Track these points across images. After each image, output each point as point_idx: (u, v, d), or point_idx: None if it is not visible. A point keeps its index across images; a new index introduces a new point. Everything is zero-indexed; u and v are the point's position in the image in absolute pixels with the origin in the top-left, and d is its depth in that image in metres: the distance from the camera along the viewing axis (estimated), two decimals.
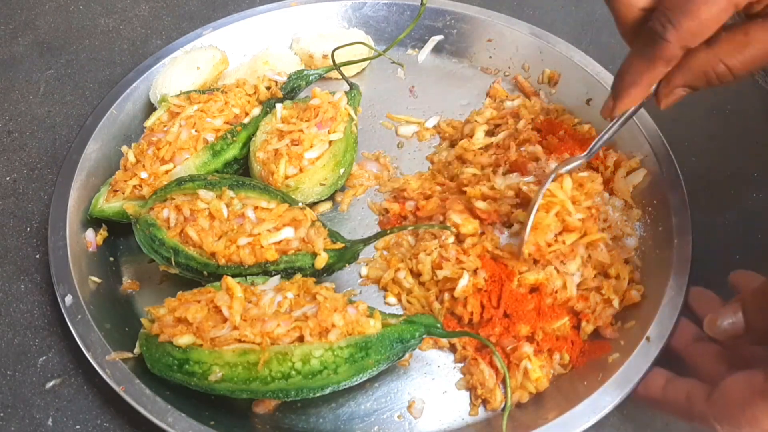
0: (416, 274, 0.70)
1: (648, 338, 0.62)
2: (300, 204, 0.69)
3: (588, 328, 0.66)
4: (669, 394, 0.57)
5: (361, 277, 0.73)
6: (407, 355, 0.65)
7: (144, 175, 0.72)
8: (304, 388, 0.58)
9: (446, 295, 0.67)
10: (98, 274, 0.70)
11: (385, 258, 0.73)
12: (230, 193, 0.67)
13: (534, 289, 0.66)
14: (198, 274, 0.66)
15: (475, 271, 0.67)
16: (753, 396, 0.49)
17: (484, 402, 0.64)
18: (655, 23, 0.53)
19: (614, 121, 0.65)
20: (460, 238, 0.69)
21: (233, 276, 0.62)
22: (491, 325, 0.65)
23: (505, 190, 0.70)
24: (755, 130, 0.85)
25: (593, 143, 0.68)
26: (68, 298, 0.65)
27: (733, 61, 0.54)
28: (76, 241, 0.71)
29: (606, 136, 0.67)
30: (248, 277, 0.64)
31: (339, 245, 0.66)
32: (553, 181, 0.66)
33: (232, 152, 0.76)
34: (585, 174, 0.72)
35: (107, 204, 0.72)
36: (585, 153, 0.68)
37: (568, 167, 0.67)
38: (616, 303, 0.66)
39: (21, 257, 0.75)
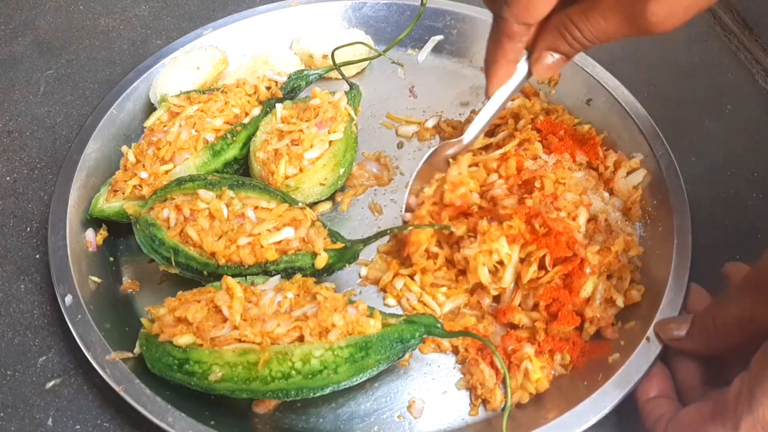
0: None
1: (648, 338, 0.62)
2: (300, 204, 0.69)
3: (591, 329, 0.66)
4: (646, 408, 0.59)
5: (360, 277, 0.73)
6: (407, 355, 0.65)
7: (144, 175, 0.72)
8: (304, 388, 0.58)
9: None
10: (98, 274, 0.70)
11: (385, 260, 0.73)
12: (230, 193, 0.67)
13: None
14: (198, 274, 0.66)
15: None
16: (703, 423, 0.51)
17: (484, 402, 0.64)
18: (493, 3, 0.57)
19: (490, 101, 0.68)
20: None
21: (233, 276, 0.62)
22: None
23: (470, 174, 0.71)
24: (755, 130, 0.85)
25: (471, 124, 0.70)
26: (68, 298, 0.65)
27: (583, 26, 0.56)
28: (76, 241, 0.71)
29: (484, 118, 0.70)
30: (248, 277, 0.64)
31: (339, 245, 0.66)
32: (427, 159, 0.71)
33: (232, 152, 0.76)
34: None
35: (107, 204, 0.72)
36: (464, 135, 0.71)
37: (451, 150, 0.71)
38: (620, 302, 0.66)
39: (21, 257, 0.75)
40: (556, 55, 0.60)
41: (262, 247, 0.64)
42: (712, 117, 0.86)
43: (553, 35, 0.59)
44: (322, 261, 0.65)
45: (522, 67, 0.64)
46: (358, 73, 0.92)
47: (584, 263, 0.65)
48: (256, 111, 0.79)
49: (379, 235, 0.67)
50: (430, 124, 0.86)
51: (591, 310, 0.65)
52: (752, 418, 0.47)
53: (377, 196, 0.80)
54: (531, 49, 0.62)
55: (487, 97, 0.67)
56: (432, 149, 0.72)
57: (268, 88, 0.81)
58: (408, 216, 0.72)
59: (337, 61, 0.81)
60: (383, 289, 0.71)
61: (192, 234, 0.64)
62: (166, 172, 0.72)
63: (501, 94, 0.67)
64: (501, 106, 0.69)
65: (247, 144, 0.77)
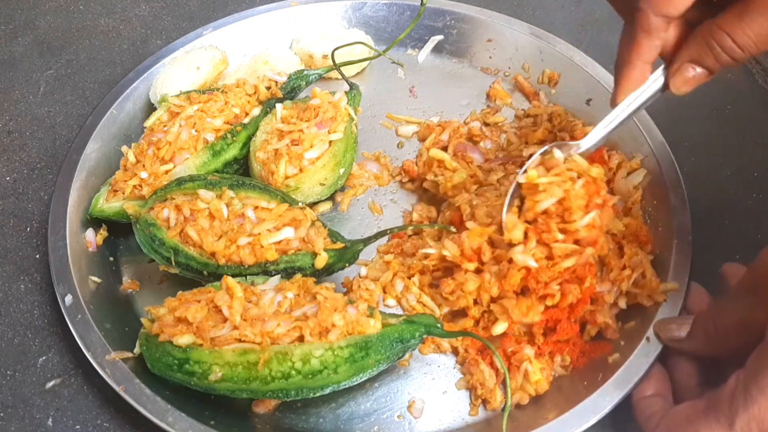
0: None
1: (648, 338, 0.62)
2: (300, 204, 0.69)
3: (593, 330, 0.65)
4: (640, 405, 0.59)
5: (360, 277, 0.73)
6: (407, 355, 0.65)
7: (144, 175, 0.72)
8: (304, 387, 0.58)
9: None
10: (98, 274, 0.70)
11: (384, 260, 0.73)
12: (230, 193, 0.67)
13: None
14: (198, 274, 0.66)
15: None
16: (697, 419, 0.51)
17: (484, 402, 0.64)
18: None
19: (616, 109, 0.62)
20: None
21: (233, 276, 0.62)
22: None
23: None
24: (755, 130, 0.85)
25: (594, 130, 0.64)
26: (68, 298, 0.65)
27: (738, 32, 0.51)
28: (76, 241, 0.71)
29: (608, 126, 0.63)
30: (248, 277, 0.64)
31: (339, 245, 0.66)
32: (540, 156, 0.64)
33: (232, 152, 0.76)
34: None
35: (107, 204, 0.72)
36: (583, 140, 0.65)
37: (565, 152, 0.64)
38: (622, 303, 0.66)
39: (21, 257, 0.75)
40: (699, 69, 0.56)
41: (262, 247, 0.64)
42: (712, 117, 0.86)
43: (698, 46, 0.54)
44: (322, 261, 0.65)
45: (657, 77, 0.59)
46: (358, 73, 0.92)
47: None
48: (256, 111, 0.79)
49: (379, 235, 0.67)
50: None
51: (602, 315, 0.65)
52: (747, 414, 0.47)
53: (377, 196, 0.80)
54: (669, 61, 0.57)
55: (615, 103, 0.60)
56: (543, 148, 0.64)
57: (268, 88, 0.81)
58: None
59: (337, 61, 0.81)
60: (383, 290, 0.71)
61: (192, 234, 0.64)
62: (166, 172, 0.72)
63: (629, 102, 0.60)
64: (628, 117, 0.62)
65: (247, 144, 0.77)
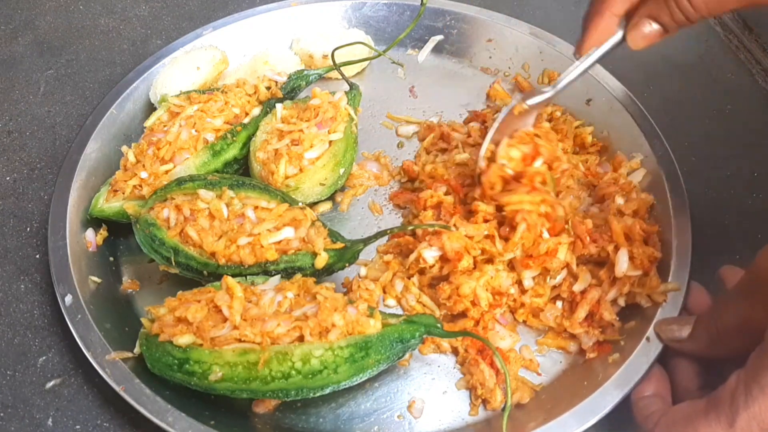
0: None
1: (648, 338, 0.62)
2: (300, 204, 0.69)
3: (594, 332, 0.66)
4: (639, 404, 0.59)
5: (360, 277, 0.73)
6: (407, 355, 0.65)
7: (144, 175, 0.72)
8: (304, 387, 0.58)
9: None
10: (98, 274, 0.70)
11: (384, 260, 0.73)
12: (230, 193, 0.67)
13: None
14: (198, 274, 0.66)
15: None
16: (697, 418, 0.50)
17: (484, 402, 0.64)
18: None
19: (583, 57, 0.65)
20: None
21: (233, 276, 0.62)
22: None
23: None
24: (755, 130, 0.85)
25: (560, 78, 0.68)
26: (68, 298, 0.65)
27: None
28: (76, 241, 0.71)
29: (574, 73, 0.67)
30: (248, 277, 0.64)
31: (339, 245, 0.66)
32: (510, 111, 0.68)
33: (232, 152, 0.76)
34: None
35: (107, 204, 0.72)
36: (551, 86, 0.68)
37: (533, 100, 0.68)
38: (621, 301, 0.66)
39: (21, 257, 0.75)
40: (655, 26, 0.59)
41: (262, 247, 0.64)
42: (712, 117, 0.86)
43: (656, 3, 0.57)
44: (322, 261, 0.65)
45: (617, 31, 0.62)
46: (358, 73, 0.92)
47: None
48: (256, 111, 0.79)
49: (379, 235, 0.67)
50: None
51: (608, 313, 0.65)
52: (748, 414, 0.46)
53: (377, 196, 0.80)
54: (630, 17, 0.61)
55: (582, 52, 0.64)
56: (513, 102, 0.69)
57: (268, 88, 0.81)
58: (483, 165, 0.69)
59: (337, 61, 0.81)
60: (382, 290, 0.71)
61: (192, 234, 0.64)
62: (166, 172, 0.72)
63: (592, 53, 0.64)
64: (590, 66, 0.66)
65: (247, 144, 0.77)
